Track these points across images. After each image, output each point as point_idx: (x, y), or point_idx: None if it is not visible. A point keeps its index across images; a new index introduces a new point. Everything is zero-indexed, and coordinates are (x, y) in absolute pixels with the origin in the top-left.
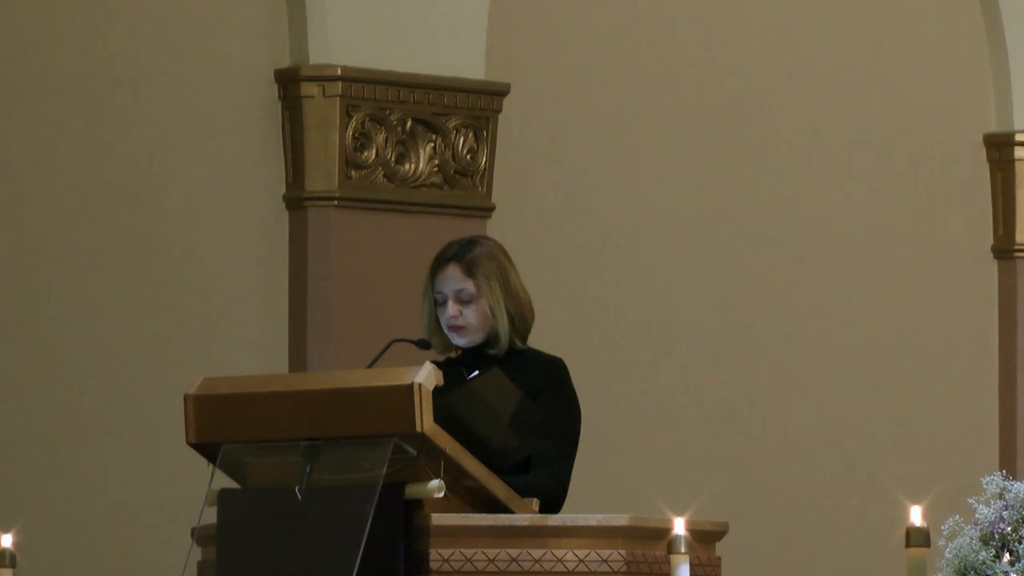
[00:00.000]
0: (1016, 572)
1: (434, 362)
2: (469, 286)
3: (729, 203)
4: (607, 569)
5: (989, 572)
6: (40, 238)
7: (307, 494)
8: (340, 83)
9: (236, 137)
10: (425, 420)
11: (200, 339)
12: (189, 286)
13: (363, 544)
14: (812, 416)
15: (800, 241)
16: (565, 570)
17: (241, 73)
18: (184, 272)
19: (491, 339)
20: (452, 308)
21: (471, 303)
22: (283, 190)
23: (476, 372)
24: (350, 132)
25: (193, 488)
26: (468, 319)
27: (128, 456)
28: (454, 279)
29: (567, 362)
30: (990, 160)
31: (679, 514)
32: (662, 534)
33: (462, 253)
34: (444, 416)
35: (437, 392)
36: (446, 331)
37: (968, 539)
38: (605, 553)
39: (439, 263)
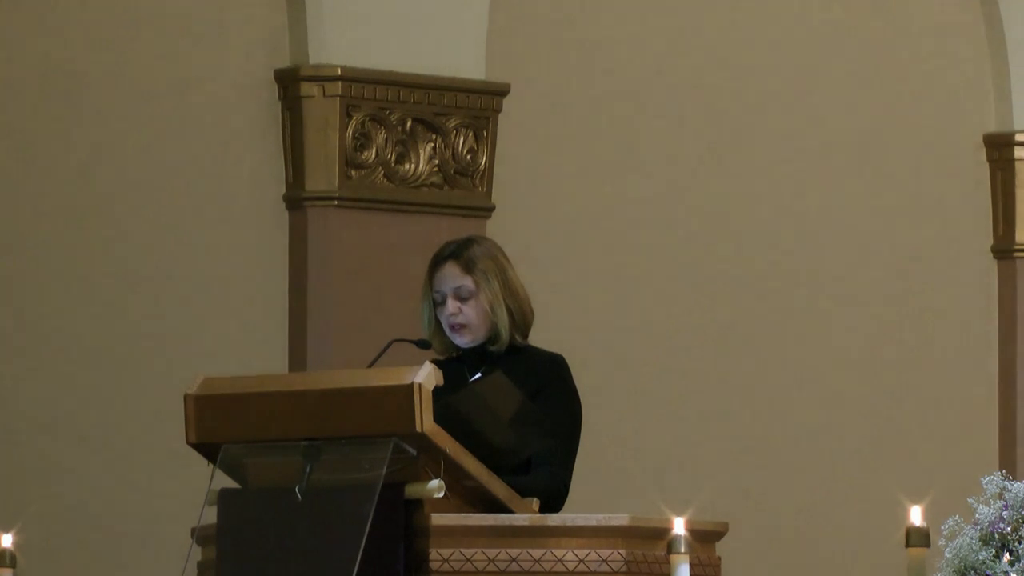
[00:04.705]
0: (1016, 572)
1: (434, 362)
2: (468, 282)
3: (729, 203)
4: (607, 569)
5: (989, 572)
6: (39, 238)
7: (307, 494)
8: (340, 83)
9: (236, 137)
10: (425, 420)
11: (200, 339)
12: (189, 286)
13: (363, 544)
14: (812, 416)
15: (800, 241)
16: (565, 570)
17: (241, 73)
18: (184, 272)
19: (492, 337)
20: (451, 305)
21: (470, 299)
22: (283, 190)
23: (479, 373)
24: (350, 132)
25: (193, 488)
26: (468, 316)
27: (128, 456)
28: (452, 276)
29: (567, 362)
30: (990, 160)
31: (679, 514)
32: (662, 534)
33: (459, 251)
34: (446, 416)
35: (437, 392)
36: (447, 331)
37: (968, 539)
38: (605, 553)
39: (436, 262)
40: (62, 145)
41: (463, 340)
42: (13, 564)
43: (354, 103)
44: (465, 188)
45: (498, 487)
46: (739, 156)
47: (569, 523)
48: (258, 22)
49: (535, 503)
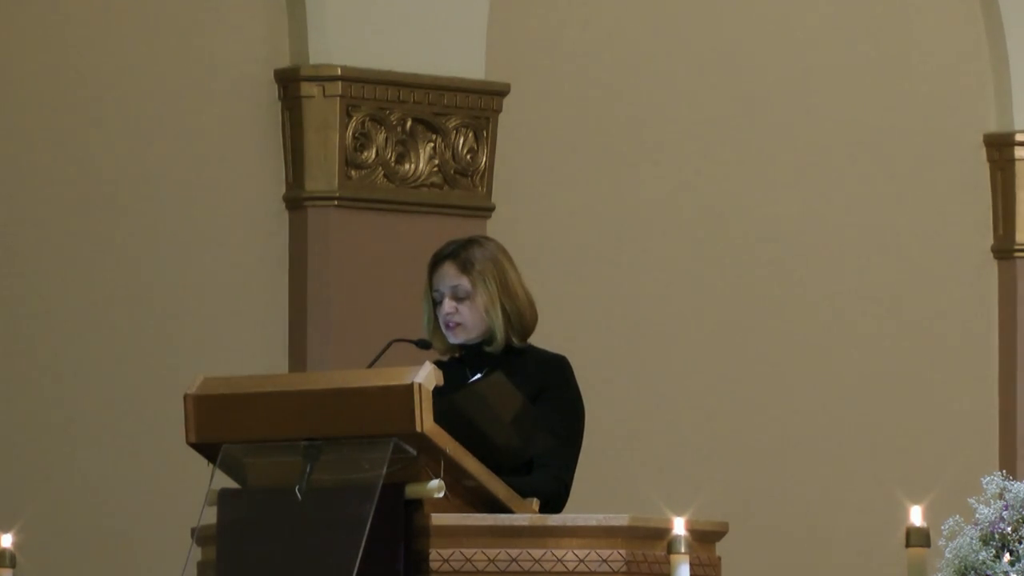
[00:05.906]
0: (1016, 572)
1: (435, 362)
2: (464, 283)
3: (729, 202)
4: (607, 569)
5: (989, 572)
6: (39, 238)
7: (307, 494)
8: (340, 83)
9: (236, 137)
10: (425, 420)
11: (200, 339)
12: (189, 286)
13: (363, 544)
14: (812, 416)
15: (800, 241)
16: (565, 570)
17: (241, 73)
18: (184, 272)
19: (488, 337)
20: (448, 305)
21: (466, 300)
22: (283, 190)
23: (479, 374)
24: (350, 132)
25: (193, 488)
26: (463, 316)
27: (128, 456)
28: (449, 276)
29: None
30: (990, 160)
31: (679, 514)
32: (662, 534)
33: (458, 251)
34: (447, 415)
35: (437, 392)
36: (443, 328)
37: (968, 539)
38: (605, 553)
39: (436, 261)
40: (62, 145)
41: (457, 338)
42: (13, 564)
43: (354, 103)
44: (465, 188)
45: (498, 487)
46: (739, 156)
47: (569, 523)
48: (258, 22)
49: (535, 503)
